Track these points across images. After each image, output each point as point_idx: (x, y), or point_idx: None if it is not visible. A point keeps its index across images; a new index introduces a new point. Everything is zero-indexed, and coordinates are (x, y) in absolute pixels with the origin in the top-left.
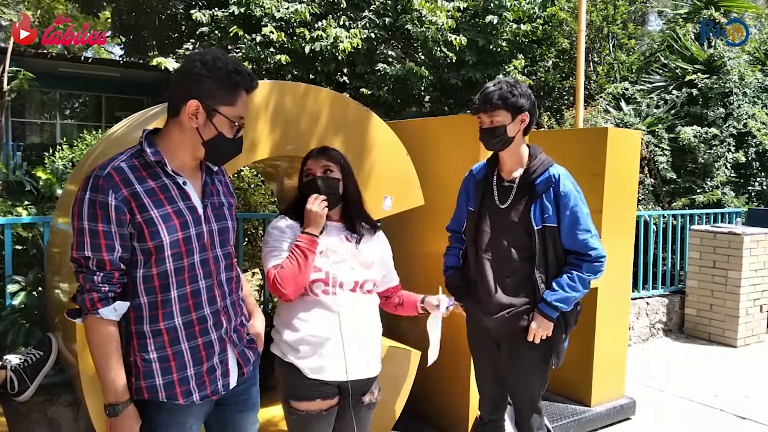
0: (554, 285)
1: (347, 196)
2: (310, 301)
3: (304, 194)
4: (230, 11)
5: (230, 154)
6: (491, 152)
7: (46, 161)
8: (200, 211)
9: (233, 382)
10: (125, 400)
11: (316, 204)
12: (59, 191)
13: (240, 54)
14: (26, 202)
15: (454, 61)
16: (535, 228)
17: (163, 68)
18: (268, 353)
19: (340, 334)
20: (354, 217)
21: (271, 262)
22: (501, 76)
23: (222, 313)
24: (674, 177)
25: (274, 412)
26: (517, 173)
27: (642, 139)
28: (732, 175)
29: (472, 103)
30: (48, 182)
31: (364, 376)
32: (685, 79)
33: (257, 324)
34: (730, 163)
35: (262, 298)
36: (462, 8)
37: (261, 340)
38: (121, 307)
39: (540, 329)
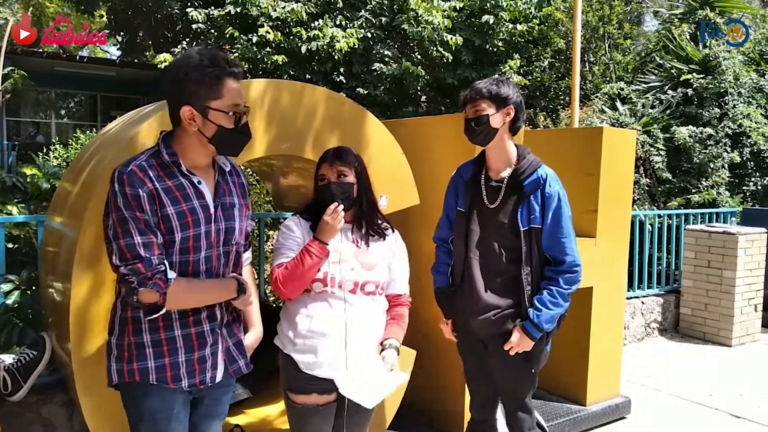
0: (537, 303)
1: (361, 199)
2: (309, 298)
3: (319, 199)
4: (226, 11)
5: (240, 143)
6: (480, 151)
7: (36, 159)
8: (212, 210)
9: (219, 375)
10: (237, 285)
11: (332, 216)
12: (45, 185)
13: (236, 54)
14: (15, 200)
15: (450, 60)
16: (522, 229)
17: (164, 66)
18: (267, 354)
19: (333, 332)
20: (365, 220)
21: (276, 261)
22: (496, 75)
23: (217, 307)
24: (669, 177)
25: (271, 410)
26: (506, 173)
27: (637, 138)
28: (727, 175)
29: (461, 101)
30: (34, 177)
31: None
32: (681, 79)
33: (252, 336)
34: (726, 163)
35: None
36: (458, 8)
37: (249, 351)
38: (171, 273)
39: (519, 345)
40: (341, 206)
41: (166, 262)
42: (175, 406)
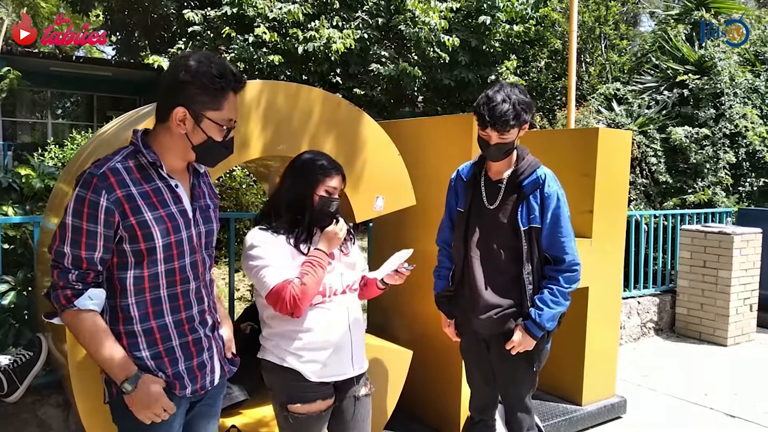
0: (538, 302)
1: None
2: (306, 310)
3: (321, 211)
4: (223, 11)
5: (221, 156)
6: (480, 152)
7: (31, 160)
8: (191, 214)
9: (217, 378)
10: (135, 372)
11: (343, 230)
12: (39, 185)
13: (232, 54)
14: (10, 201)
15: (447, 61)
16: (522, 229)
17: (156, 66)
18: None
19: (339, 336)
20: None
21: (274, 278)
22: (493, 76)
23: (207, 312)
24: (666, 178)
25: (266, 411)
26: (506, 174)
27: (633, 139)
28: (725, 175)
29: (479, 114)
30: (28, 177)
31: (360, 372)
32: (676, 80)
33: (228, 330)
34: (727, 163)
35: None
36: (455, 9)
37: (232, 344)
38: (97, 294)
39: (521, 344)
40: (342, 220)
41: (89, 286)
42: (175, 423)
